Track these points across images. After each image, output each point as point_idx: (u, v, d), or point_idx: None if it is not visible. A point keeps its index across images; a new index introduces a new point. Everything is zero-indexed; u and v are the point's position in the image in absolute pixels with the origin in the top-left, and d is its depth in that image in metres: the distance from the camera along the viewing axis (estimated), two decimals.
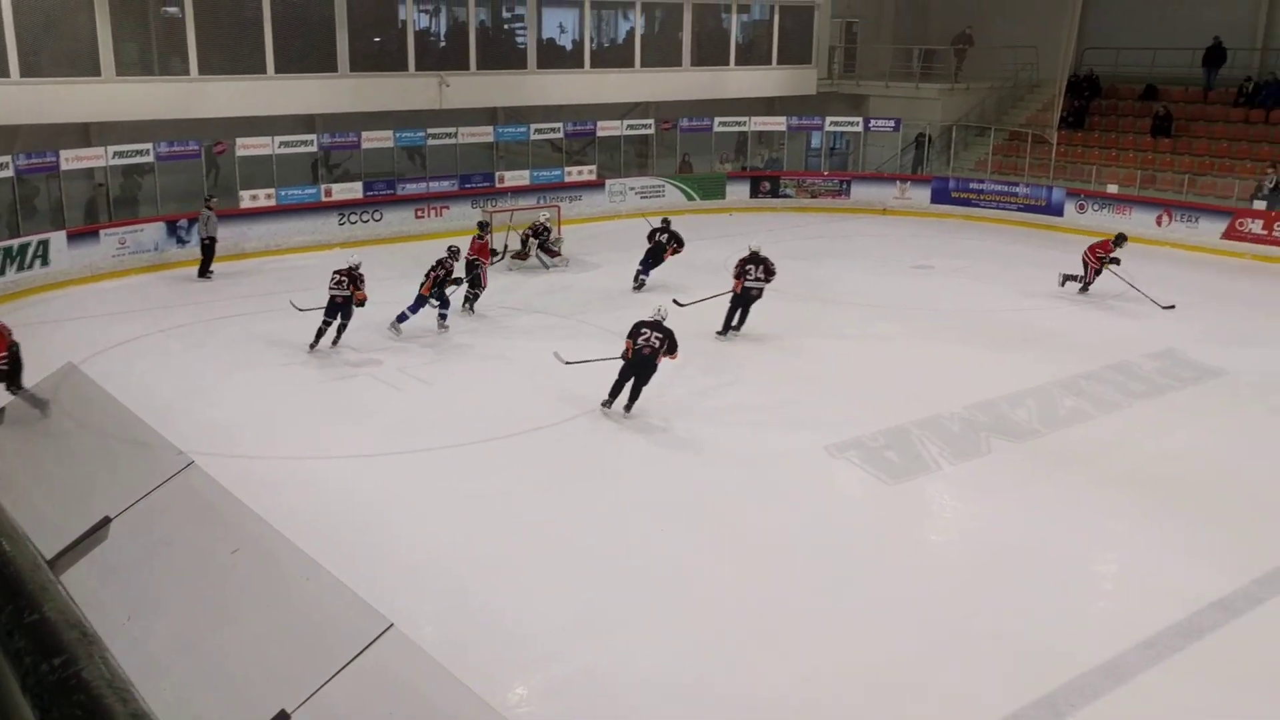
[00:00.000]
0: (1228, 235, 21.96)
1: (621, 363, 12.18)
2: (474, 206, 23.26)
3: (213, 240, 18.85)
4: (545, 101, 25.34)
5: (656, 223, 19.03)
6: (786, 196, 27.11)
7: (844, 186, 27.29)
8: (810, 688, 7.16)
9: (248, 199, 21.08)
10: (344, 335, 14.53)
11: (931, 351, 14.98)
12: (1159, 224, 23.00)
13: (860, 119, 28.22)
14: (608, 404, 12.29)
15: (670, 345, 12.22)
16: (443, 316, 15.67)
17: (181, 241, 19.81)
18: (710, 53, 27.86)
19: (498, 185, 24.04)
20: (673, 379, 13.47)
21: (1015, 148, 27.06)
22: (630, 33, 26.68)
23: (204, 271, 18.82)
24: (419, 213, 23.10)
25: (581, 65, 25.90)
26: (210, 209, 18.86)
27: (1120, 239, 18.50)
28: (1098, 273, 18.11)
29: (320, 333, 14.37)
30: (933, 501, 10.41)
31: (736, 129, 27.83)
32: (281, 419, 12.14)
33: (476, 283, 16.85)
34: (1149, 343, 15.19)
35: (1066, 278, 18.37)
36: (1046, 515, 9.87)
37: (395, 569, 8.55)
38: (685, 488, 10.38)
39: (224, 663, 3.39)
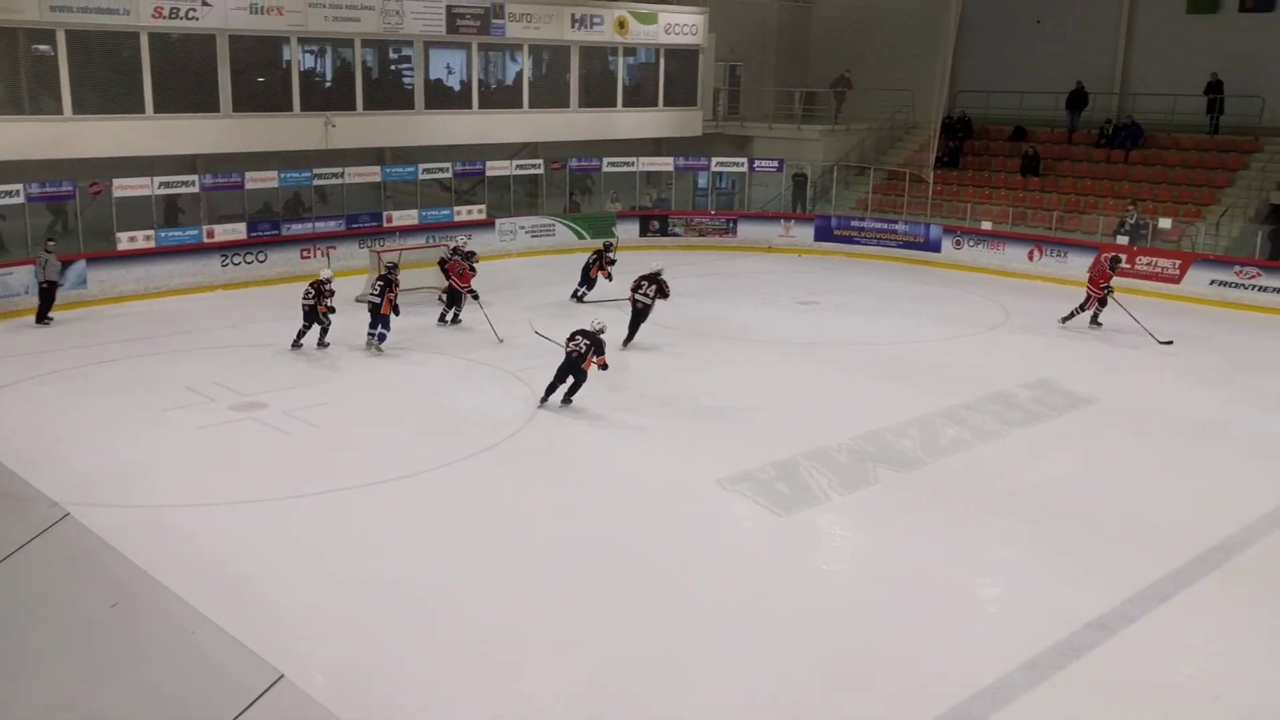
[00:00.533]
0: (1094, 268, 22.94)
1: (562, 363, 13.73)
2: (361, 246, 23.01)
3: (53, 285, 18.06)
4: (433, 141, 25.27)
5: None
6: (675, 235, 27.47)
7: (731, 225, 27.77)
8: (706, 716, 7.22)
9: (125, 241, 20.48)
10: (326, 337, 16.70)
11: (817, 385, 15.30)
12: (1030, 259, 23.93)
13: (745, 159, 28.81)
14: (543, 401, 13.82)
15: (597, 351, 13.64)
16: (382, 337, 16.76)
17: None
18: (598, 94, 28.18)
19: (386, 225, 23.82)
20: (561, 415, 13.51)
21: (894, 186, 27.95)
22: (519, 74, 26.82)
23: (41, 317, 17.98)
24: (305, 253, 22.73)
25: (469, 106, 25.92)
26: (49, 252, 18.05)
27: (1114, 262, 19.11)
28: (1102, 303, 18.70)
29: (300, 333, 16.62)
30: (823, 532, 10.60)
31: (625, 169, 28.13)
32: (163, 466, 11.76)
33: (455, 301, 18.60)
34: (1024, 373, 15.76)
35: (1066, 318, 18.85)
36: (932, 542, 10.15)
37: (284, 618, 8.35)
38: (581, 525, 10.38)
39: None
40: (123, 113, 20.61)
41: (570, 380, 13.79)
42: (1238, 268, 21.21)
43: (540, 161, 26.95)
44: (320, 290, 16.39)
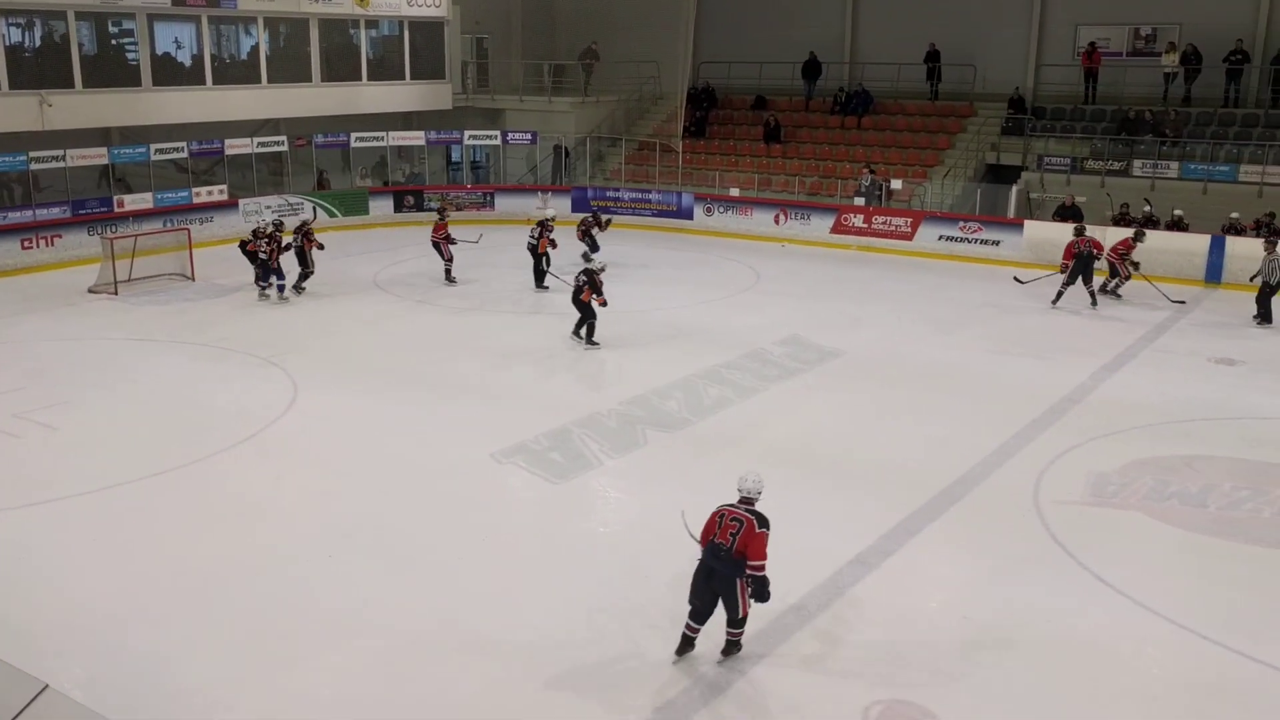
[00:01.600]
0: (835, 230, 24.26)
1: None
2: (91, 234, 21.44)
3: None
4: (165, 120, 23.83)
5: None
6: (431, 210, 27.02)
7: (488, 199, 27.59)
8: (491, 689, 7.23)
9: None
10: (302, 281, 18.67)
11: (581, 353, 15.49)
12: (777, 222, 25.01)
13: (498, 132, 28.66)
14: (574, 334, 15.85)
15: (592, 287, 15.34)
16: (280, 288, 18.22)
17: None
18: (341, 68, 27.31)
19: (117, 210, 22.28)
20: (323, 391, 13.12)
21: (646, 157, 28.52)
22: (254, 48, 25.59)
23: None
24: (26, 243, 20.96)
25: (203, 82, 24.56)
26: None
27: (1140, 235, 19.32)
28: (1125, 275, 19.04)
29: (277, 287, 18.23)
30: (597, 496, 10.79)
31: (375, 144, 27.41)
32: None
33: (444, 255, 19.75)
34: (776, 331, 16.49)
35: (1096, 292, 18.65)
36: (701, 498, 10.46)
37: (37, 629, 7.78)
38: (353, 510, 10.14)
39: None
40: None
41: (580, 317, 15.64)
42: (961, 223, 22.89)
43: (284, 138, 25.86)
44: (272, 237, 18.15)
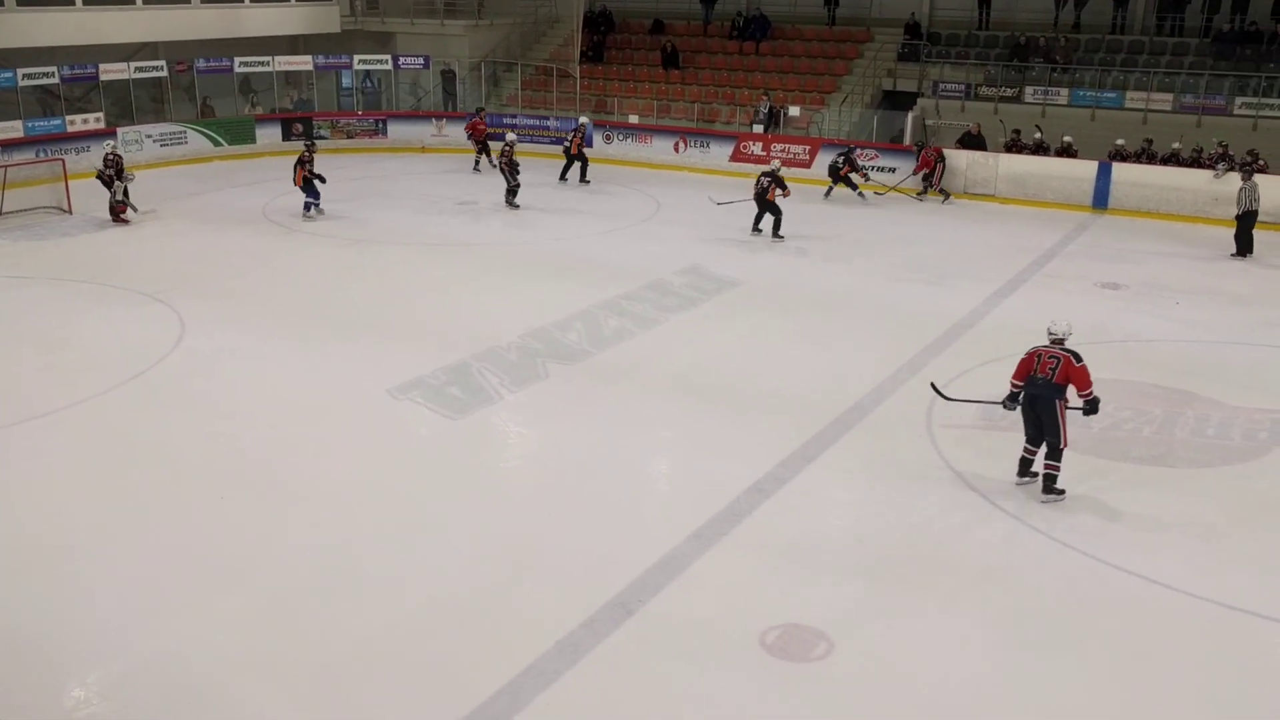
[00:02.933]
0: (735, 158, 24.23)
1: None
2: None
3: None
4: (32, 43, 22.56)
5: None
6: (322, 138, 26.15)
7: (380, 126, 26.87)
8: (388, 635, 7.11)
9: None
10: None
11: (480, 285, 15.27)
12: (676, 150, 24.87)
13: (389, 57, 27.82)
14: (754, 231, 18.07)
15: (777, 183, 17.56)
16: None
17: None
18: None
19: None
20: (212, 341, 12.74)
21: (543, 82, 28.00)
22: None
23: None
24: None
25: (72, 2, 23.26)
26: None
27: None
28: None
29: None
30: (497, 430, 10.70)
31: (260, 69, 26.39)
32: None
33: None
34: (677, 261, 16.47)
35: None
36: (602, 429, 10.51)
37: None
38: (241, 451, 9.89)
39: None
40: None
41: (769, 217, 17.77)
42: (859, 150, 23.04)
43: (163, 63, 24.73)
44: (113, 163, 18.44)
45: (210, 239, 17.71)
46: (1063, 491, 9.00)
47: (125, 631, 7.13)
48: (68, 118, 22.84)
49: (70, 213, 19.00)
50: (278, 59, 26.69)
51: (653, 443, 10.34)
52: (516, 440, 10.65)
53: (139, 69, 24.28)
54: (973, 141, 21.97)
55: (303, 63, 27.21)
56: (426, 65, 27.59)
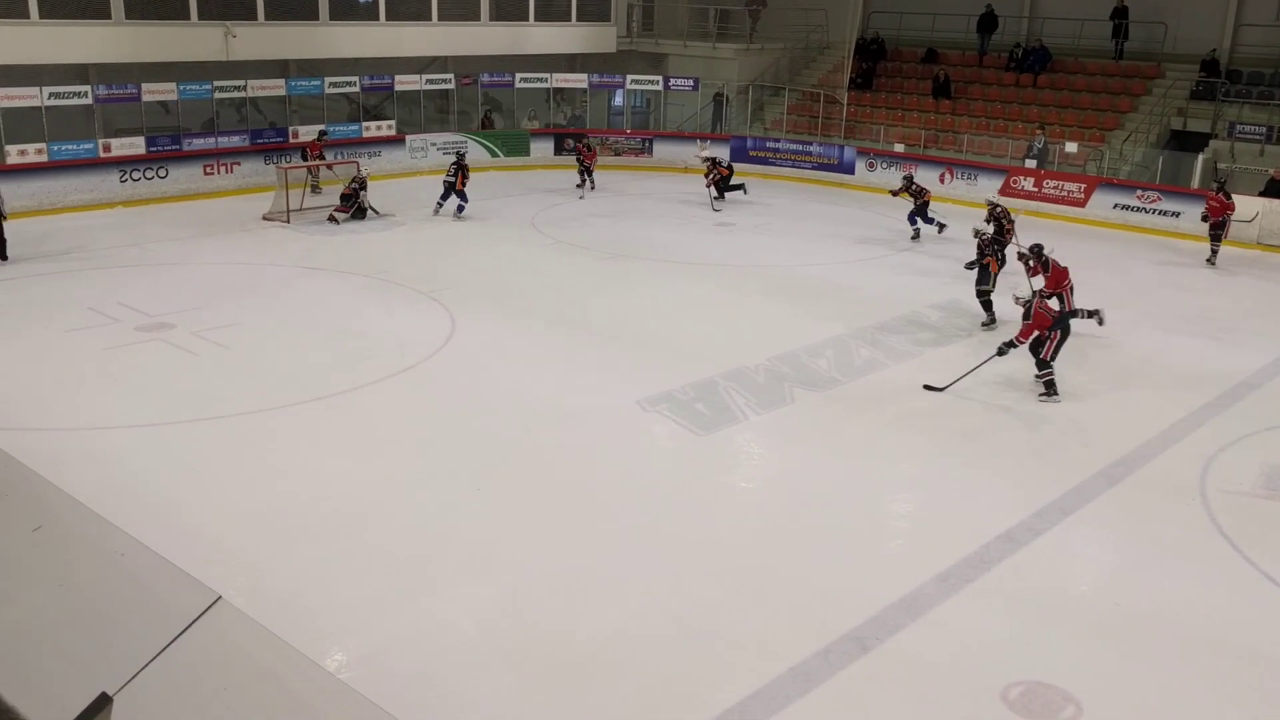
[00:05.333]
0: (1003, 192, 23.36)
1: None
2: (267, 163, 22.33)
3: None
4: (339, 54, 24.53)
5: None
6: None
7: (646, 145, 27.56)
8: (623, 639, 7.29)
9: (15, 154, 19.54)
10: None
11: (735, 306, 15.39)
12: (942, 181, 24.25)
13: (660, 78, 28.51)
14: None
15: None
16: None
17: None
18: (509, 8, 27.56)
19: (291, 141, 23.11)
20: (478, 340, 13.39)
21: (808, 107, 27.98)
22: None
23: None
24: (208, 169, 21.98)
25: (377, 18, 25.14)
26: None
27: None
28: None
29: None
30: (740, 450, 10.74)
31: (538, 85, 27.65)
32: (74, 388, 11.40)
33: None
34: (935, 295, 16.05)
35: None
36: (846, 460, 10.36)
37: (198, 543, 8.22)
38: (499, 447, 10.35)
39: (33, 647, 3.17)
40: (5, 17, 19.53)
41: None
42: (1139, 192, 21.77)
43: (450, 76, 26.34)
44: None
45: (482, 245, 18.68)
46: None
47: (383, 605, 7.60)
48: (364, 124, 24.67)
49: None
50: (555, 76, 27.88)
51: (899, 478, 10.10)
52: (759, 462, 10.66)
53: (429, 80, 25.95)
54: (1276, 189, 20.22)
55: (578, 80, 28.31)
56: (695, 87, 28.11)
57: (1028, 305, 12.15)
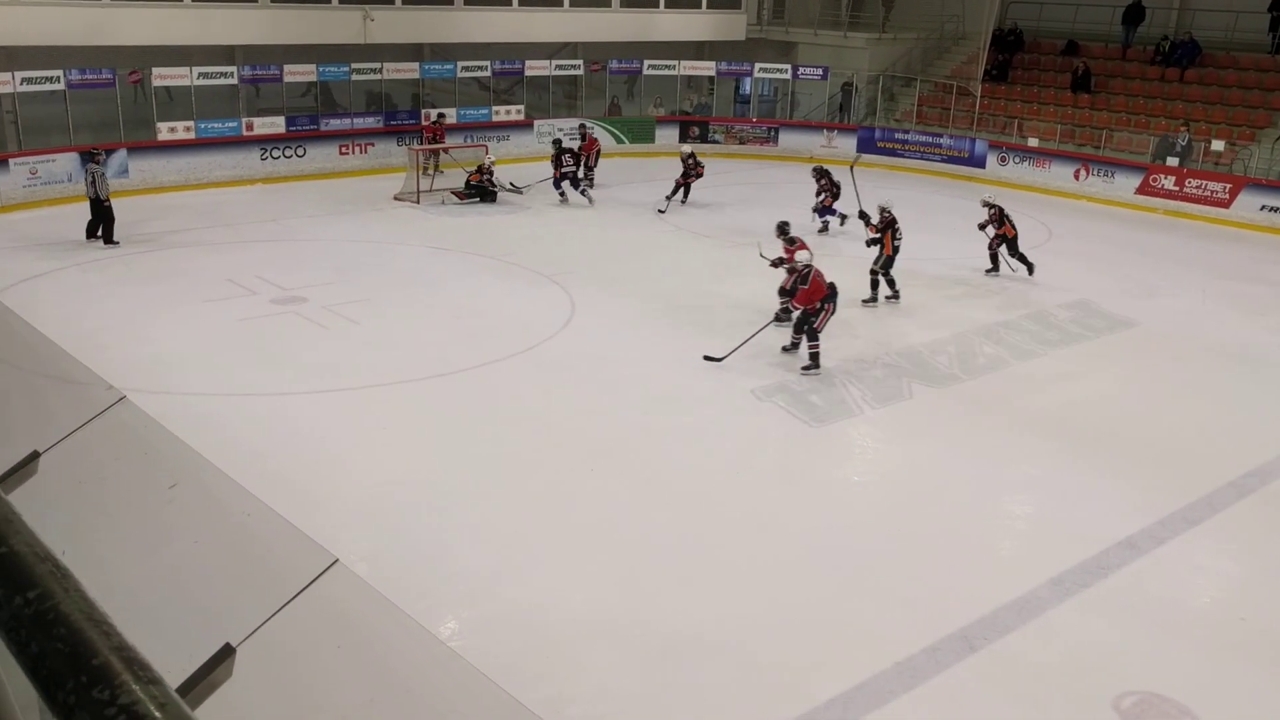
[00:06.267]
0: (1141, 190, 22.56)
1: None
2: (400, 144, 22.92)
3: (99, 202, 15.93)
4: (472, 39, 24.96)
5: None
6: (715, 142, 27.13)
7: (772, 134, 27.38)
8: (730, 624, 7.34)
9: (165, 131, 20.49)
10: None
11: (855, 298, 15.18)
12: (1077, 178, 23.51)
13: (789, 66, 28.25)
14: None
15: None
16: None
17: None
18: None
19: (424, 123, 23.65)
20: (598, 320, 13.53)
21: (940, 99, 27.38)
22: None
23: (109, 237, 16.10)
24: (343, 149, 22.67)
25: (509, 3, 25.51)
26: (99, 164, 16.24)
27: None
28: None
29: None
30: (855, 444, 10.66)
31: (666, 72, 27.68)
32: (210, 356, 11.96)
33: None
34: (1063, 294, 15.61)
35: None
36: (963, 458, 10.19)
37: (319, 510, 8.53)
38: (613, 429, 10.48)
39: (164, 598, 3.38)
40: (160, 1, 20.46)
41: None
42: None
43: (580, 62, 26.58)
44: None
45: (603, 230, 18.86)
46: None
47: (498, 578, 7.80)
48: (494, 108, 25.09)
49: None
50: (683, 63, 27.88)
51: (1016, 478, 9.89)
52: (873, 456, 10.56)
53: (558, 66, 26.24)
54: None
55: (705, 68, 28.25)
56: (825, 77, 27.78)
57: (787, 267, 12.53)
